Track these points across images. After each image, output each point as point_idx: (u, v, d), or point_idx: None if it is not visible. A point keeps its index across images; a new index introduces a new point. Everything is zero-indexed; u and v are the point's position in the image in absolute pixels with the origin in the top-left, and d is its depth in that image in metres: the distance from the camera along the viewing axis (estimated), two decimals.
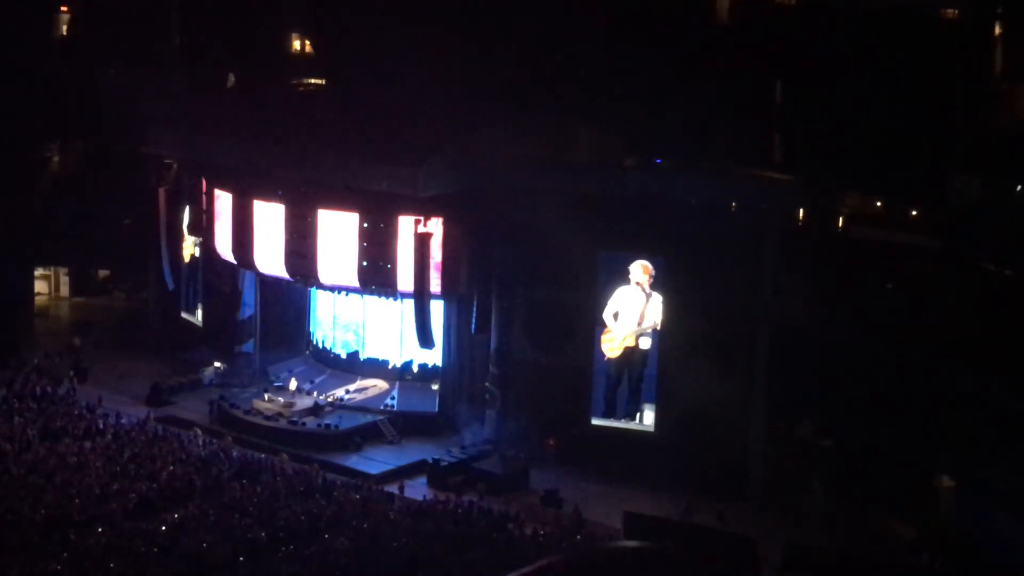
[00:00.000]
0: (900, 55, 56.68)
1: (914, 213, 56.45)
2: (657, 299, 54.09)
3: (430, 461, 54.25)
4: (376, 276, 56.69)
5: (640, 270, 54.21)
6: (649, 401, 55.00)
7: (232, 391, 60.34)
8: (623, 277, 54.38)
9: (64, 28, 75.48)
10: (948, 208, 53.81)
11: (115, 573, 41.45)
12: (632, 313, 54.42)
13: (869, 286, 54.49)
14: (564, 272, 54.51)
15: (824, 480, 52.65)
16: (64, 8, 75.01)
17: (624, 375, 54.91)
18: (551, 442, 55.31)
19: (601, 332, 54.85)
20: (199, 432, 55.46)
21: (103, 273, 75.92)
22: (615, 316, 54.65)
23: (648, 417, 55.02)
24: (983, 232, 51.02)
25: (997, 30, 55.96)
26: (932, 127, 55.98)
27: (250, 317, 63.32)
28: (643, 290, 54.21)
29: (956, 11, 58.23)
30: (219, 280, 63.92)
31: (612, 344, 54.69)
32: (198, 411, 59.04)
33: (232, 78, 72.01)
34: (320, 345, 63.65)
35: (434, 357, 59.39)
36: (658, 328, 54.13)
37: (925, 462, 50.75)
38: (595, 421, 55.34)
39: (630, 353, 54.57)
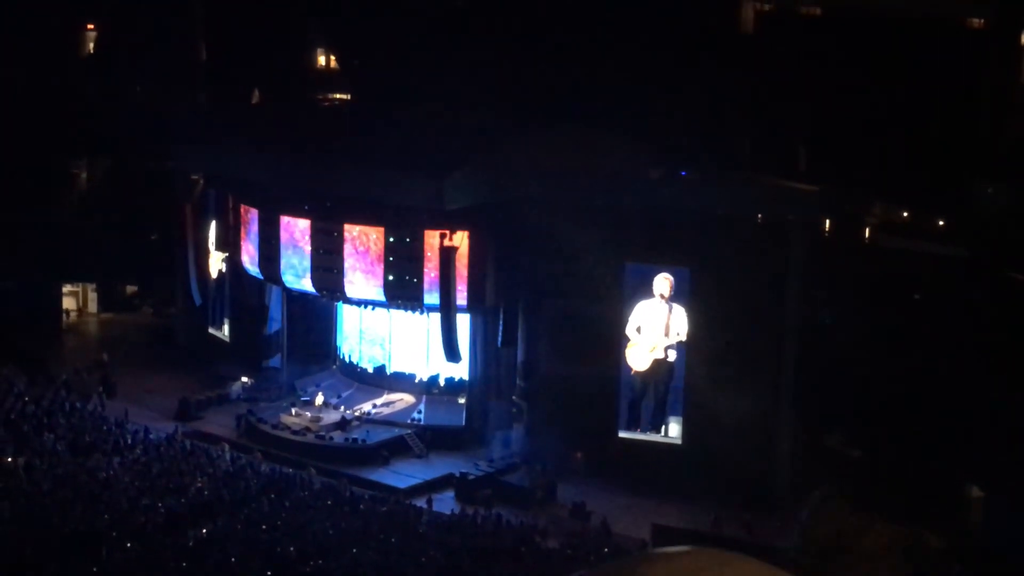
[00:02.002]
0: (926, 64, 56.54)
1: (941, 223, 56.25)
2: (680, 310, 54.04)
3: (458, 475, 54.28)
4: (402, 290, 56.79)
5: (664, 282, 54.18)
6: (675, 414, 54.96)
7: (260, 406, 60.44)
8: (649, 289, 54.33)
9: (91, 46, 75.94)
10: (975, 217, 53.62)
11: None
12: (657, 325, 54.37)
13: (896, 295, 54.29)
14: (590, 284, 54.45)
15: (852, 490, 52.42)
16: (90, 26, 75.49)
17: (649, 388, 54.87)
18: (578, 455, 55.25)
19: (627, 344, 54.83)
20: (227, 447, 55.55)
21: (131, 289, 76.20)
22: (638, 330, 54.67)
23: (675, 429, 54.97)
24: (1011, 241, 50.82)
25: (1023, 39, 55.82)
26: (958, 136, 55.83)
27: (277, 332, 63.47)
28: (666, 302, 54.19)
29: (982, 20, 58.13)
30: (246, 295, 64.07)
31: (640, 357, 54.62)
32: (226, 426, 59.18)
33: (257, 94, 72.27)
34: (347, 359, 63.73)
35: (461, 371, 59.41)
36: (683, 339, 54.09)
37: (954, 472, 50.50)
38: (622, 434, 55.29)
39: (658, 365, 54.52)
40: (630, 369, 54.91)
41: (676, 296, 54.16)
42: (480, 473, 54.39)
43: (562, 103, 59.78)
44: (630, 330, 54.70)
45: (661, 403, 54.85)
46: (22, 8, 70.72)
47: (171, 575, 42.34)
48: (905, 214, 57.80)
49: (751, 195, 55.21)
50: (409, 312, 58.78)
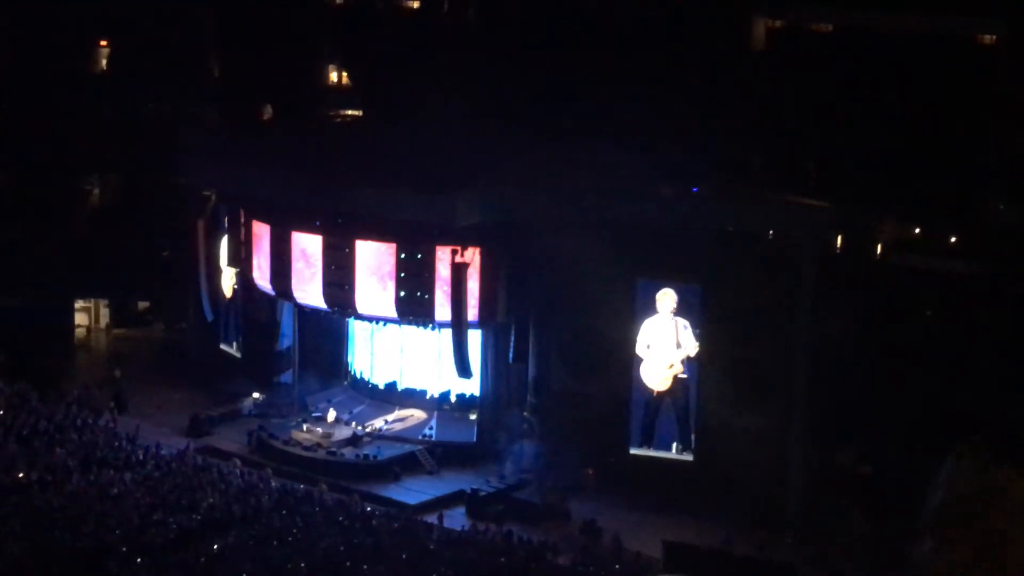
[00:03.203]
0: (937, 80, 56.56)
1: (953, 239, 56.15)
2: (684, 324, 54.05)
3: (469, 491, 54.24)
4: (414, 306, 56.81)
5: (669, 298, 54.24)
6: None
7: (271, 422, 60.47)
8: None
9: (103, 62, 76.19)
10: (987, 234, 53.53)
11: None
12: (668, 342, 54.41)
13: (908, 312, 54.17)
14: (602, 301, 54.48)
15: (865, 508, 52.30)
16: (103, 43, 75.74)
17: (665, 405, 54.84)
18: (590, 472, 55.19)
19: (639, 361, 54.81)
20: (238, 463, 55.56)
21: (143, 305, 76.31)
22: (648, 347, 54.69)
23: None
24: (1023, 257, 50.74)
25: None
26: (970, 153, 55.79)
27: (288, 348, 63.50)
28: (672, 317, 54.23)
29: (993, 36, 58.15)
30: (257, 311, 64.13)
31: (657, 375, 54.61)
32: (237, 442, 59.19)
33: (269, 110, 72.45)
34: (358, 375, 63.75)
35: (472, 387, 59.41)
36: (692, 354, 54.15)
37: None
38: (633, 450, 55.23)
39: (676, 383, 54.57)
40: (643, 386, 54.90)
41: (688, 313, 54.20)
42: (491, 489, 54.35)
43: (574, 119, 59.86)
44: (640, 349, 54.74)
45: (684, 419, 54.79)
46: (35, 25, 71.05)
47: None
48: (917, 231, 57.65)
49: (762, 211, 55.20)
50: (420, 328, 58.79)
